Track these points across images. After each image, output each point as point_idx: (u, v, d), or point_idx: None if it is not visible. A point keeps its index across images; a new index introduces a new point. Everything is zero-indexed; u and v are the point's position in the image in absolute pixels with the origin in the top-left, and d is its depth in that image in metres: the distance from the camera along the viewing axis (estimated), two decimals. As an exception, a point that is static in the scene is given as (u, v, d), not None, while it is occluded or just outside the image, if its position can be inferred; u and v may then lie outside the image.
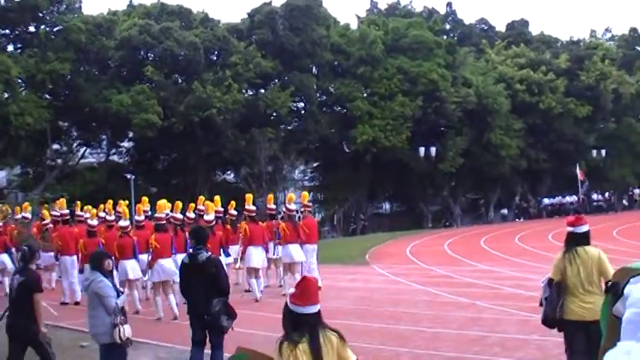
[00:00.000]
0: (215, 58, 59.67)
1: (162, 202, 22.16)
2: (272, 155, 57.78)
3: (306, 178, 73.14)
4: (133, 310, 19.58)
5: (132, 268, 21.04)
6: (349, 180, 63.60)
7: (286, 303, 6.53)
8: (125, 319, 11.15)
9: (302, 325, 6.41)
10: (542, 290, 10.44)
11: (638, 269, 5.71)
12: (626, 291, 5.44)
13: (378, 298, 21.61)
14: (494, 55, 75.74)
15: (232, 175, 67.82)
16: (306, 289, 6.56)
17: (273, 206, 24.94)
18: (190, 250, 12.77)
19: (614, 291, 5.86)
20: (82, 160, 61.28)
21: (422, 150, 62.72)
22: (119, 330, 10.99)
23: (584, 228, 10.43)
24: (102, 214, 25.24)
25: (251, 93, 61.87)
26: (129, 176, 54.03)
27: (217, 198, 24.65)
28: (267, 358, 6.88)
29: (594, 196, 77.11)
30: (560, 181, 76.03)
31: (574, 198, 72.42)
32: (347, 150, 65.45)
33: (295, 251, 22.84)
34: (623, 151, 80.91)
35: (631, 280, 5.27)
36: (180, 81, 57.97)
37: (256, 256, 22.59)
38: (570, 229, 10.48)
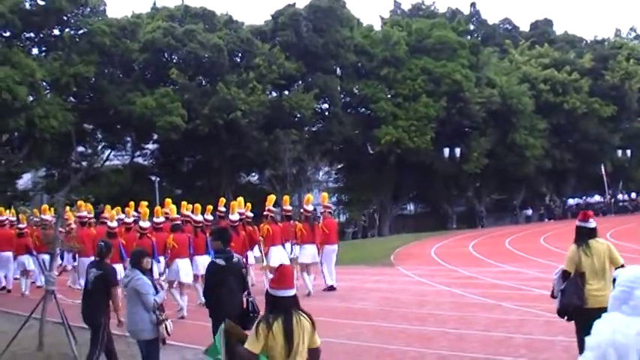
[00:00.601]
0: (239, 60, 59.77)
1: (170, 205, 23.04)
2: (296, 157, 57.83)
3: (331, 179, 73.12)
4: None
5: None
6: (373, 181, 63.59)
7: (267, 289, 7.61)
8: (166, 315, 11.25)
9: (279, 306, 7.39)
10: (556, 282, 11.33)
11: None
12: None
13: (402, 299, 21.58)
14: (518, 55, 75.57)
15: (256, 177, 67.86)
16: (283, 275, 7.59)
17: (289, 207, 24.95)
18: (214, 252, 12.76)
19: None
20: (106, 163, 61.54)
21: (446, 151, 62.67)
22: (166, 326, 11.09)
23: (593, 223, 11.33)
24: (121, 216, 25.41)
25: (275, 95, 61.87)
26: (153, 178, 54.27)
27: (241, 199, 24.66)
28: (243, 333, 7.96)
29: (619, 197, 76.72)
30: (584, 182, 75.81)
31: (600, 198, 72.16)
32: (371, 151, 65.38)
33: (311, 252, 23.09)
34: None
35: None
36: (204, 83, 58.09)
37: (277, 256, 22.78)
38: (581, 224, 11.36)
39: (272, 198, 24.48)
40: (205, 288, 12.34)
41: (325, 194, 28.30)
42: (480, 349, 14.17)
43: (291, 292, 7.53)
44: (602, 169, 68.24)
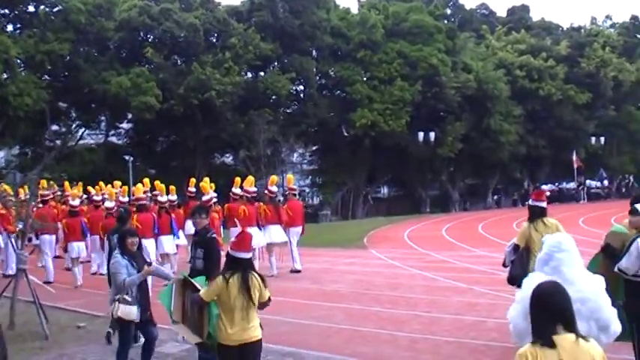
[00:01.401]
0: (215, 40, 59.44)
1: (140, 186, 23.33)
2: (271, 138, 57.65)
3: (305, 161, 73.14)
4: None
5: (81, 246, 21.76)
6: (348, 164, 63.61)
7: (227, 251, 9.07)
8: (132, 300, 11.03)
9: (237, 265, 8.89)
10: (507, 254, 12.68)
11: (622, 231, 9.38)
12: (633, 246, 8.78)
13: (375, 282, 21.62)
14: (495, 40, 75.74)
15: (231, 157, 67.74)
16: (242, 240, 9.02)
17: (254, 189, 24.84)
18: (198, 230, 12.65)
19: (610, 251, 9.15)
20: (80, 142, 61.17)
21: (421, 135, 62.72)
22: (114, 306, 10.97)
23: (544, 203, 12.71)
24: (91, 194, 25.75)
25: (250, 75, 61.71)
26: (127, 158, 54.01)
27: (207, 179, 24.72)
28: (197, 288, 9.45)
29: (593, 184, 77.21)
30: (558, 168, 76.18)
31: (574, 185, 72.60)
32: (346, 134, 65.37)
33: (275, 232, 23.22)
34: (622, 139, 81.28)
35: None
36: (179, 63, 57.81)
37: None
38: (534, 203, 12.71)
39: (251, 179, 24.46)
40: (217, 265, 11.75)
41: (291, 176, 28.49)
42: (451, 333, 14.24)
43: (248, 255, 9.06)
44: (574, 156, 68.54)
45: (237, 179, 24.74)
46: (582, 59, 73.88)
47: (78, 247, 23.06)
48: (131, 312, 10.97)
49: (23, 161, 57.58)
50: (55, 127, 58.29)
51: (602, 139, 76.56)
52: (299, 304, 18.21)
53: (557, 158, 74.97)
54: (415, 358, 12.62)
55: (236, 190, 24.08)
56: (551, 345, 5.26)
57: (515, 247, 12.36)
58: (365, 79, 62.84)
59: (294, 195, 25.87)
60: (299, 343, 13.82)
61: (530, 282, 8.44)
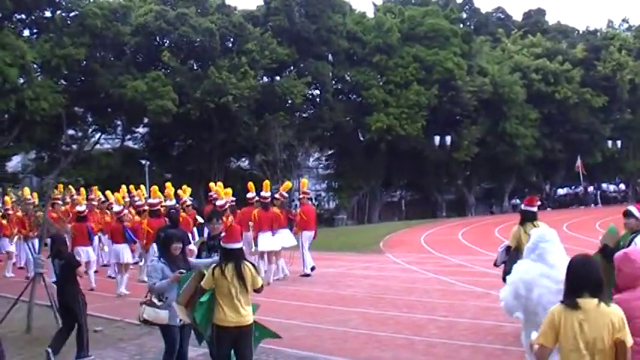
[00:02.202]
0: (231, 44, 59.50)
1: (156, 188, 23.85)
2: (286, 142, 57.65)
3: (321, 165, 73.16)
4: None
5: (124, 252, 21.73)
6: (364, 168, 63.59)
7: (220, 244, 10.27)
8: (161, 304, 11.00)
9: (229, 256, 9.88)
10: (500, 254, 14.15)
11: (616, 232, 10.95)
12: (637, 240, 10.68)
13: (391, 287, 21.60)
14: (511, 44, 75.66)
15: (247, 162, 67.82)
16: (232, 233, 10.15)
17: (268, 194, 24.75)
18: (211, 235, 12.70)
19: (608, 251, 9.90)
20: (97, 146, 61.38)
21: (437, 139, 62.69)
22: (142, 309, 10.99)
23: (535, 208, 14.12)
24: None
25: (266, 80, 61.79)
26: (143, 162, 54.19)
27: (220, 184, 24.88)
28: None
29: (610, 187, 77.01)
30: (575, 172, 75.88)
31: (590, 189, 72.44)
32: (362, 138, 65.39)
33: (284, 237, 23.74)
34: (639, 143, 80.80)
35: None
36: (195, 67, 57.88)
37: (265, 241, 22.92)
38: (526, 208, 14.21)
39: (267, 184, 24.54)
40: None
41: (305, 181, 28.51)
42: (469, 337, 14.20)
43: (238, 245, 10.06)
44: (578, 162, 68.23)
45: (251, 184, 24.86)
46: (598, 62, 73.72)
47: (87, 252, 23.08)
48: (159, 316, 10.98)
49: (40, 166, 57.75)
50: (71, 132, 58.43)
51: (619, 142, 76.34)
52: (315, 309, 18.21)
53: (573, 162, 74.68)
54: (432, 363, 12.60)
55: (250, 194, 24.23)
56: (575, 306, 6.41)
57: (508, 248, 13.76)
58: (381, 83, 62.89)
59: (309, 199, 25.95)
60: (315, 348, 13.81)
61: (519, 267, 10.10)
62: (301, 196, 25.50)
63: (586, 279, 6.52)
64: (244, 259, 10.08)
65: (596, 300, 6.38)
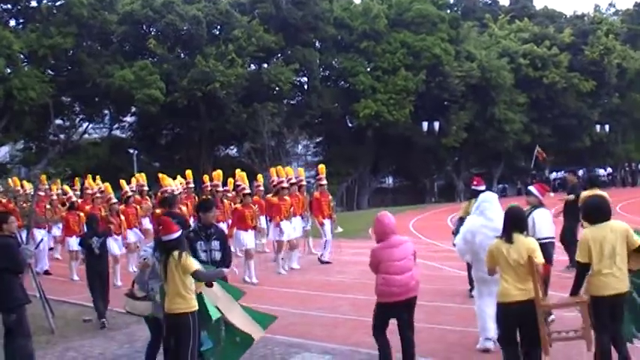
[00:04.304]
0: (218, 32, 59.44)
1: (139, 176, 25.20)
2: (275, 130, 57.57)
3: (309, 152, 73.10)
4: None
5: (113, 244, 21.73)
6: (352, 154, 63.59)
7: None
8: (142, 296, 10.98)
9: (162, 248, 10.19)
10: (455, 224, 17.89)
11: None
12: None
13: (380, 273, 21.61)
14: (498, 29, 75.67)
15: (235, 150, 67.76)
16: (165, 225, 10.27)
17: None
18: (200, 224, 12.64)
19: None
20: (84, 136, 61.33)
21: (425, 125, 62.61)
22: (126, 300, 11.03)
23: (483, 187, 16.70)
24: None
25: (254, 67, 61.68)
26: (132, 151, 54.18)
27: (219, 172, 24.85)
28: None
29: (599, 171, 77.19)
30: (563, 156, 76.01)
31: (581, 172, 72.55)
32: (350, 125, 65.41)
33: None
34: (627, 127, 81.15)
35: None
36: (182, 55, 57.77)
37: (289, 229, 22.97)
38: (475, 187, 17.01)
39: (260, 176, 24.60)
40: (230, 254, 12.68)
41: (301, 169, 28.38)
42: (456, 322, 14.30)
43: (171, 237, 10.09)
44: (536, 150, 67.70)
45: (243, 174, 24.70)
46: (586, 47, 73.87)
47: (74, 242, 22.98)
48: (138, 308, 11.00)
49: (27, 156, 57.70)
50: (59, 122, 58.36)
51: (607, 126, 76.47)
52: (305, 295, 18.23)
53: (561, 146, 74.86)
54: (420, 348, 12.55)
55: (242, 185, 24.12)
56: (511, 240, 9.79)
57: (460, 219, 16.16)
58: (368, 69, 62.87)
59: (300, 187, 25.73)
60: (305, 334, 13.89)
61: (467, 221, 12.74)
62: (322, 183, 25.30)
63: (518, 221, 10.07)
64: (178, 249, 10.04)
65: (522, 235, 9.88)
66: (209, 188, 26.05)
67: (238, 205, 22.63)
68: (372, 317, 11.76)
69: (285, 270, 22.39)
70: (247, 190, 23.10)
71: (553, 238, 14.08)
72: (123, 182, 24.76)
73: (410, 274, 11.21)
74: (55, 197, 27.12)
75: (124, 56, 56.03)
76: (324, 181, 25.04)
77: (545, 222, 13.74)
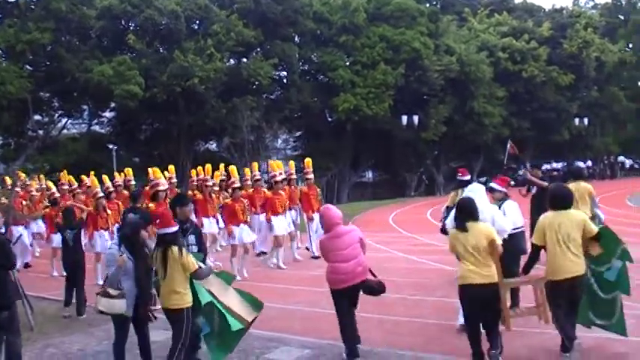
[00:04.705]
0: (197, 26, 59.33)
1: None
2: (254, 124, 57.48)
3: (289, 147, 73.05)
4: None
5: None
6: (332, 149, 63.57)
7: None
8: (117, 294, 10.89)
9: (160, 242, 10.50)
10: (442, 212, 18.24)
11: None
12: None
13: (360, 267, 21.63)
14: (477, 23, 75.73)
15: (215, 144, 67.68)
16: (164, 219, 10.68)
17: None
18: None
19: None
20: (63, 131, 61.13)
21: (404, 118, 62.62)
22: (96, 299, 10.92)
23: (467, 177, 18.54)
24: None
25: (233, 62, 61.51)
26: (111, 147, 53.98)
27: (209, 166, 24.78)
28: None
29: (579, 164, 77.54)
30: (543, 150, 76.27)
31: (557, 165, 72.75)
32: (329, 119, 65.38)
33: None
34: (606, 120, 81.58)
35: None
36: (161, 50, 57.55)
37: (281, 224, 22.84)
38: (461, 178, 18.44)
39: (233, 169, 24.29)
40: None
41: (292, 162, 28.06)
42: (436, 315, 14.34)
43: (169, 230, 10.50)
44: (509, 144, 67.60)
45: (232, 168, 24.44)
46: (565, 41, 74.17)
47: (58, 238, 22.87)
48: (114, 306, 10.87)
49: (6, 152, 57.40)
50: (37, 117, 58.03)
51: (586, 120, 76.80)
52: (285, 290, 18.24)
53: (541, 140, 75.13)
54: (400, 341, 12.65)
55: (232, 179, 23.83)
56: (465, 229, 10.84)
57: (447, 208, 16.99)
58: (347, 63, 62.76)
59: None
60: (284, 329, 13.92)
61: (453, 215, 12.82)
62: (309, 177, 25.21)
63: (469, 211, 11.01)
64: (176, 244, 10.46)
65: (475, 223, 10.87)
66: (195, 182, 25.89)
67: (228, 200, 22.30)
68: None
69: (272, 265, 22.32)
70: (237, 184, 22.74)
71: (524, 227, 14.34)
72: (105, 177, 24.69)
73: (356, 261, 11.84)
74: (35, 193, 27.04)
75: (103, 51, 55.81)
76: (311, 175, 24.93)
77: (516, 212, 14.03)
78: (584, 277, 11.12)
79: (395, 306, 15.57)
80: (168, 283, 10.35)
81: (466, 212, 10.99)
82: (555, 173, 69.15)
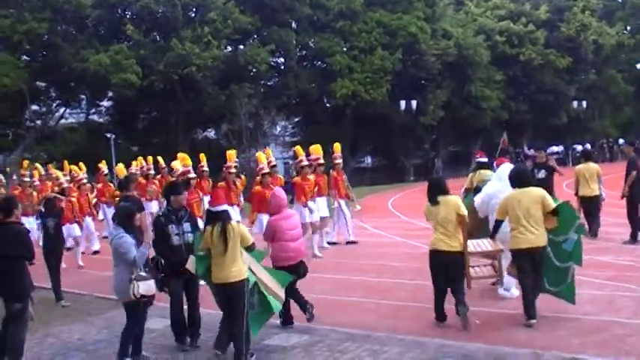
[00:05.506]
0: (193, 14, 59.14)
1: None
2: (252, 111, 57.35)
3: (287, 133, 72.93)
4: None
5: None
6: (331, 134, 63.25)
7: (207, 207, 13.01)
8: (147, 275, 11.11)
9: (217, 218, 11.04)
10: (461, 195, 17.06)
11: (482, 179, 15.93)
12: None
13: (360, 252, 21.70)
14: (474, 6, 75.55)
15: (213, 132, 67.61)
16: (217, 197, 13.14)
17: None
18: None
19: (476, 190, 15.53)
20: (61, 121, 60.93)
21: (402, 103, 62.58)
22: (133, 285, 10.89)
23: (485, 159, 18.08)
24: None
25: (230, 49, 61.32)
26: (109, 136, 53.90)
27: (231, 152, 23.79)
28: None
29: (578, 148, 77.51)
30: (541, 132, 76.27)
31: (557, 148, 72.70)
32: (327, 105, 65.28)
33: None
34: (604, 103, 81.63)
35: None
36: (158, 39, 57.35)
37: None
38: (478, 160, 18.20)
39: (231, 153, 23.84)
40: None
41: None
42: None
43: (222, 208, 11.30)
44: (504, 136, 67.45)
45: (264, 153, 24.04)
46: (562, 24, 74.08)
47: (71, 229, 22.83)
48: (151, 287, 11.12)
49: (4, 142, 57.27)
50: (35, 107, 57.87)
51: (584, 103, 76.84)
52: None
53: (539, 123, 75.17)
54: (398, 326, 12.67)
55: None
56: (436, 202, 12.56)
57: (466, 190, 17.37)
58: (345, 49, 62.60)
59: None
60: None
61: (487, 186, 14.66)
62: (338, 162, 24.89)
63: (438, 187, 12.83)
64: (230, 219, 11.08)
65: (446, 197, 12.59)
66: (204, 169, 25.23)
67: (258, 187, 21.30)
68: (347, 297, 14.16)
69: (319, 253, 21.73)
70: (266, 170, 21.83)
71: None
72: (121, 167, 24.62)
73: (301, 241, 13.27)
74: (37, 183, 27.12)
75: (100, 40, 55.64)
76: (340, 160, 24.87)
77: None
78: (545, 249, 12.46)
79: (395, 290, 15.62)
80: (230, 256, 10.87)
81: (437, 188, 12.79)
82: (555, 156, 69.32)
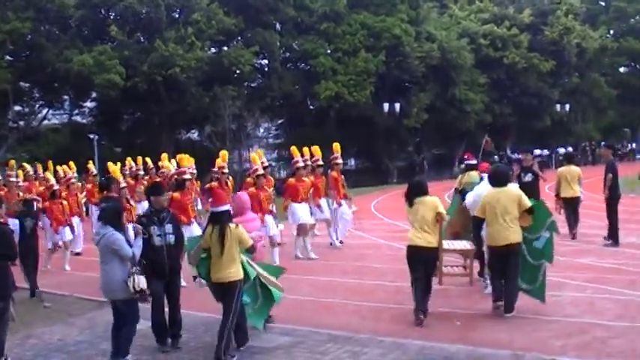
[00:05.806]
0: (177, 15, 59.05)
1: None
2: (235, 113, 57.31)
3: (271, 135, 72.95)
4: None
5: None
6: (314, 137, 63.16)
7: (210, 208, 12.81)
8: (141, 270, 11.12)
9: (217, 220, 11.23)
10: (453, 196, 18.99)
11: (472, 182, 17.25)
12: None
13: (342, 254, 21.74)
14: (458, 10, 75.68)
15: (196, 133, 67.56)
16: (218, 197, 12.76)
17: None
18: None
19: (463, 193, 16.22)
20: (44, 122, 60.74)
21: (386, 106, 62.66)
22: (133, 279, 10.87)
23: (474, 161, 20.03)
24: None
25: (214, 50, 61.29)
26: (92, 137, 53.73)
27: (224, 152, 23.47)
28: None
29: (561, 150, 77.83)
30: (525, 136, 76.51)
31: (540, 152, 72.93)
32: (311, 107, 65.29)
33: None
34: (587, 106, 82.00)
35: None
36: (142, 39, 57.20)
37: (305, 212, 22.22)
38: (467, 162, 19.98)
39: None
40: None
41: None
42: (416, 302, 14.34)
43: (220, 209, 11.41)
44: (485, 137, 67.56)
45: (259, 153, 23.96)
46: (546, 27, 74.32)
47: (63, 231, 22.70)
48: (145, 282, 11.13)
49: (-14, 143, 57.10)
50: (18, 108, 57.67)
51: (567, 106, 77.17)
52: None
53: (523, 126, 75.39)
54: (380, 327, 12.72)
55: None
56: (412, 204, 13.25)
57: (455, 190, 18.51)
58: (329, 51, 62.57)
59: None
60: (265, 316, 13.86)
61: (479, 187, 15.10)
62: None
63: (416, 189, 13.45)
64: (230, 221, 11.31)
65: (424, 197, 13.23)
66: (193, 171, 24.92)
67: (252, 189, 20.08)
68: (329, 298, 14.10)
69: (303, 256, 21.58)
70: (260, 171, 21.19)
71: None
72: (113, 166, 24.46)
73: (261, 243, 13.30)
74: (21, 184, 27.03)
75: (83, 41, 55.44)
76: (340, 160, 24.83)
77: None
78: (520, 245, 13.11)
79: (376, 292, 15.66)
80: (227, 257, 11.11)
81: (415, 190, 13.49)
82: (539, 160, 69.55)
